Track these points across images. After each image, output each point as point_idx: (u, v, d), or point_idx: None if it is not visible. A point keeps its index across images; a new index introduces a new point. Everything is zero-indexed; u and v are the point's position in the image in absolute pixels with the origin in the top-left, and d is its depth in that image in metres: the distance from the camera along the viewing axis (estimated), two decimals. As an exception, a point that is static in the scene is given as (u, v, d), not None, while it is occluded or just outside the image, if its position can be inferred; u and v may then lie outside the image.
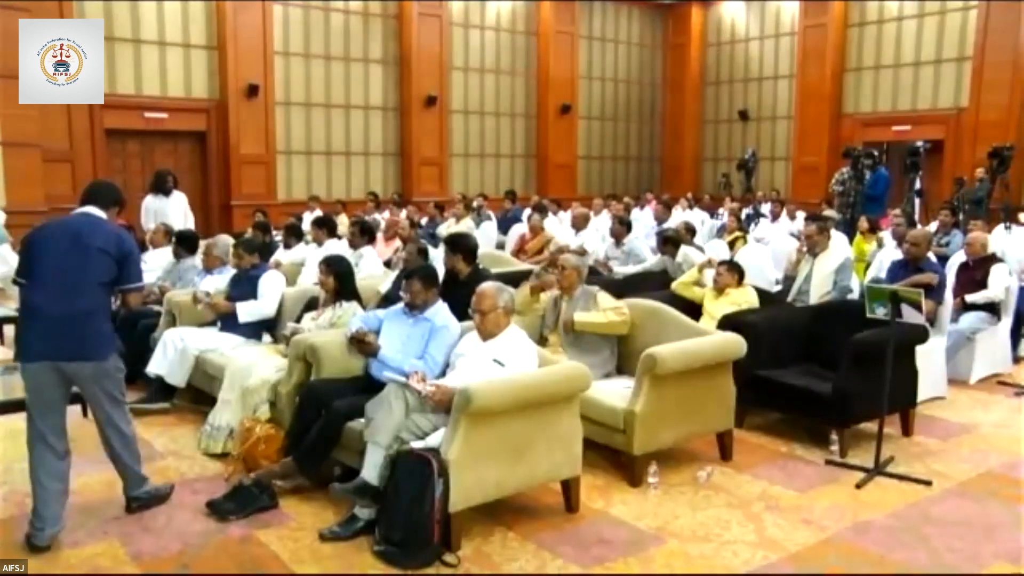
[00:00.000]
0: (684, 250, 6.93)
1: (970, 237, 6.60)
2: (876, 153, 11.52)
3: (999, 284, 6.14)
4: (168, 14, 12.76)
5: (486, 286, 3.90)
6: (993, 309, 6.22)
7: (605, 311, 4.59)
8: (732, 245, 8.49)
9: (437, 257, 6.05)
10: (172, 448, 4.55)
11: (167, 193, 8.52)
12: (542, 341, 4.71)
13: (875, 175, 11.28)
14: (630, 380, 4.26)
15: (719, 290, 5.62)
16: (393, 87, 15.25)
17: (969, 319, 6.12)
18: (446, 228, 10.23)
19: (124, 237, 3.45)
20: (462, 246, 5.20)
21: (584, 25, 17.77)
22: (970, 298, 6.15)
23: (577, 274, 4.80)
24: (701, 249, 7.61)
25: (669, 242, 7.01)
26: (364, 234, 7.04)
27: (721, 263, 5.86)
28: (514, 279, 4.96)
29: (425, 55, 15.18)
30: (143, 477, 3.74)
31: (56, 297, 3.27)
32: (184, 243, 6.43)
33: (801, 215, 10.77)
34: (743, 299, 5.54)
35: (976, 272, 6.28)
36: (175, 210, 8.43)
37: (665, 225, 9.89)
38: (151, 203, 8.51)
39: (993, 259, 6.35)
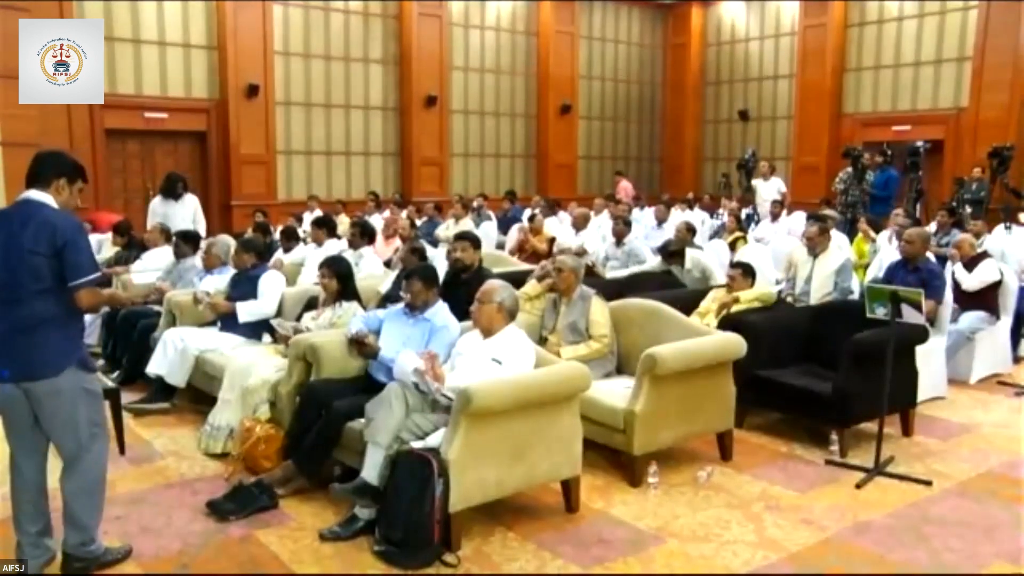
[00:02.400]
0: (689, 252, 6.92)
1: (958, 240, 6.66)
2: (889, 153, 11.40)
3: (978, 277, 6.17)
4: (168, 14, 12.74)
5: (492, 282, 3.99)
6: (992, 309, 6.22)
7: (588, 341, 4.60)
8: (732, 245, 8.49)
9: (436, 257, 6.06)
10: (172, 448, 4.55)
11: (176, 197, 8.47)
12: (542, 342, 4.71)
13: (885, 175, 11.21)
14: (630, 380, 4.26)
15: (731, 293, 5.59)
16: (393, 87, 15.23)
17: (969, 319, 6.12)
18: (445, 229, 10.25)
19: (59, 227, 2.91)
20: (472, 238, 5.36)
21: (584, 25, 17.74)
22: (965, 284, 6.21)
23: (575, 276, 4.79)
24: (701, 249, 7.60)
25: (674, 255, 6.97)
26: (365, 236, 7.04)
27: (734, 266, 5.84)
28: (514, 279, 4.96)
29: (425, 55, 15.16)
30: (91, 537, 3.16)
31: (1, 310, 2.93)
32: (187, 242, 6.43)
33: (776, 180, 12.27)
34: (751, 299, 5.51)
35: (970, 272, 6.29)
36: (183, 214, 8.35)
37: (664, 226, 9.89)
38: (157, 207, 8.44)
39: (984, 256, 6.39)
